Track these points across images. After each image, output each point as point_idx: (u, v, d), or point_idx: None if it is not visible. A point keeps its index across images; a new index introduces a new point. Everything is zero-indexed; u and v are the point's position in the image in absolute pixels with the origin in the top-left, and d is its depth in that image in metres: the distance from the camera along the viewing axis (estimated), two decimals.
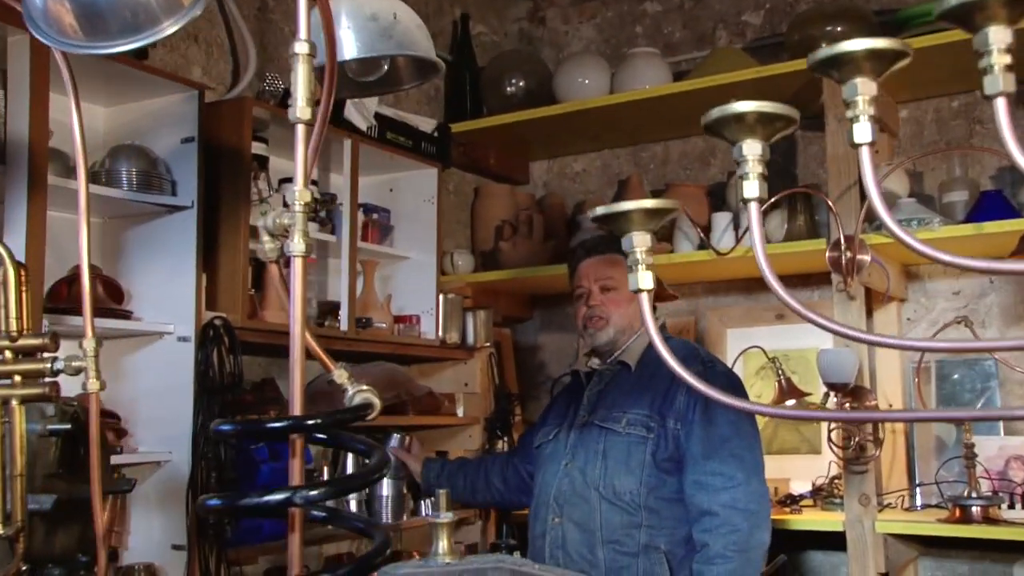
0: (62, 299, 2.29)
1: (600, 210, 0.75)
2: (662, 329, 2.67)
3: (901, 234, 0.62)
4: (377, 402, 0.90)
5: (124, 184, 2.36)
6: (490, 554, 0.72)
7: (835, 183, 2.92)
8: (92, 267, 2.41)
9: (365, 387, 0.91)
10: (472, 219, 3.92)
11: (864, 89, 0.65)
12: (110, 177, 2.35)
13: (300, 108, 0.87)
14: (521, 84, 3.69)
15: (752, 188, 0.69)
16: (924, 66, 2.99)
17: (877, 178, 0.65)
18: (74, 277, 2.35)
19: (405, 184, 3.29)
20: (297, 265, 0.87)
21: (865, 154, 0.64)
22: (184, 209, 2.43)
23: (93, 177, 2.38)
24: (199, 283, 2.42)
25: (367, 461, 0.91)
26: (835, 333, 0.68)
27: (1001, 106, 0.60)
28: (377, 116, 3.01)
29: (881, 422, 2.74)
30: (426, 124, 3.25)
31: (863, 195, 2.93)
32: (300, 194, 0.88)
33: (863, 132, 0.65)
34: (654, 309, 2.66)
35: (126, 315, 2.40)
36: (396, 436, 3.01)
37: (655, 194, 3.72)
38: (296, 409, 0.86)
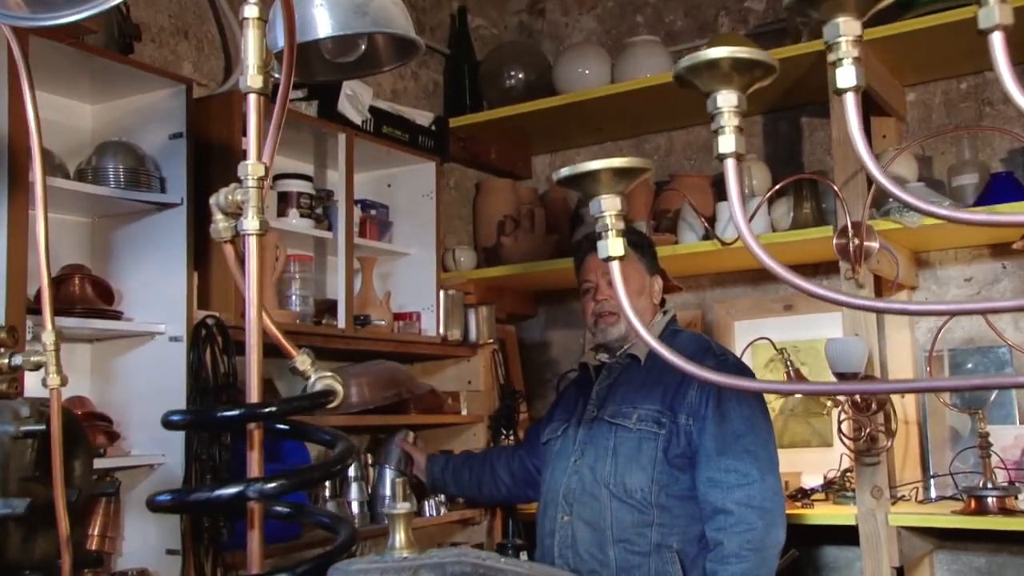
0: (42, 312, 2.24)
1: (565, 171, 0.69)
2: (672, 321, 2.61)
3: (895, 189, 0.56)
4: (339, 388, 0.85)
5: (111, 181, 2.31)
6: (451, 548, 0.66)
7: (841, 169, 2.84)
8: (80, 267, 2.39)
9: (328, 373, 0.85)
10: (474, 215, 3.87)
11: (847, 29, 0.59)
12: (97, 175, 2.31)
13: (251, 76, 0.82)
14: (521, 76, 3.63)
15: (728, 143, 0.63)
16: (931, 47, 2.91)
17: (860, 125, 0.59)
18: (62, 278, 2.30)
19: (403, 179, 3.23)
20: (252, 244, 0.82)
21: (850, 101, 0.58)
22: (174, 206, 2.38)
23: (80, 175, 2.34)
24: (190, 282, 2.37)
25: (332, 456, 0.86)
26: (836, 303, 0.62)
27: (997, 41, 0.54)
28: (372, 110, 2.96)
29: (888, 393, 2.66)
30: (423, 118, 3.19)
31: (871, 180, 2.86)
32: (252, 168, 0.83)
33: (847, 76, 0.59)
34: (663, 303, 2.63)
35: (117, 315, 2.36)
36: (404, 431, 2.97)
37: (660, 186, 3.66)
38: (253, 397, 0.81)
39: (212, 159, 2.51)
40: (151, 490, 2.35)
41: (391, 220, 3.21)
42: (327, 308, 2.87)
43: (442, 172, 3.28)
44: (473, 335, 3.26)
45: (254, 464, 0.83)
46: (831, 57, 0.60)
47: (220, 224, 0.86)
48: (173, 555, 2.30)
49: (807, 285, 0.66)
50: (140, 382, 2.41)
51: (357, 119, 2.87)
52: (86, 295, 2.31)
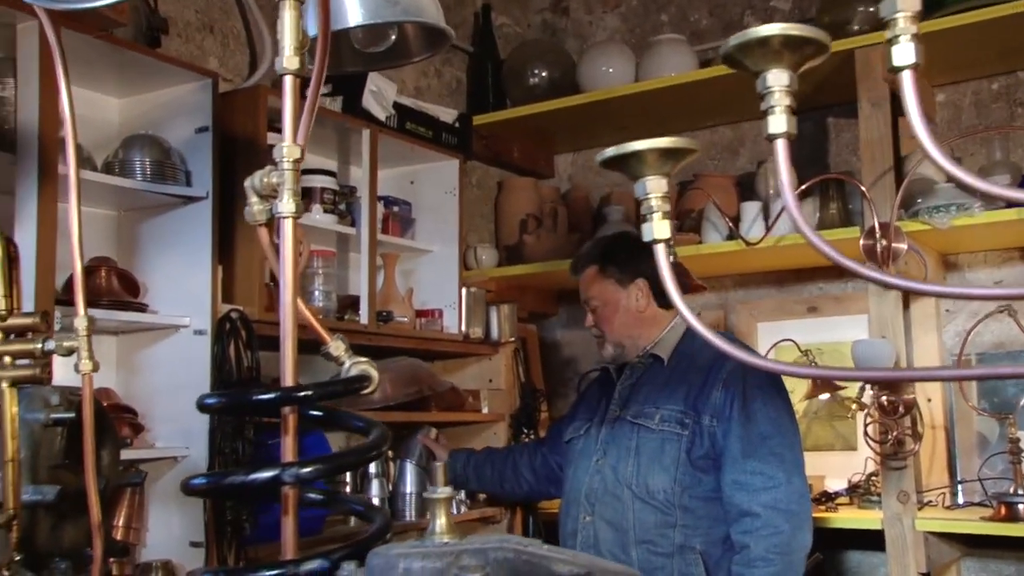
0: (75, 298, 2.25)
1: (610, 151, 0.68)
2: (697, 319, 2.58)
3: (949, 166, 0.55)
4: (375, 374, 0.84)
5: (138, 174, 2.32)
6: (493, 535, 0.65)
7: (869, 169, 2.82)
8: (106, 260, 2.39)
9: (362, 359, 0.84)
10: (496, 213, 3.86)
11: (905, 5, 0.57)
12: (124, 167, 2.31)
13: (287, 57, 0.81)
14: (544, 74, 3.62)
15: (779, 123, 0.61)
16: (962, 46, 2.88)
17: (921, 109, 0.58)
18: (89, 270, 2.31)
19: (426, 176, 3.23)
20: (287, 227, 0.81)
21: (907, 78, 0.56)
22: (199, 200, 2.38)
23: (107, 168, 2.34)
24: (215, 275, 2.38)
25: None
26: (875, 281, 0.61)
27: None
28: (396, 106, 2.96)
29: (913, 381, 2.62)
30: (446, 114, 3.18)
31: (899, 181, 2.83)
32: (288, 150, 0.82)
33: (904, 54, 0.57)
34: (661, 303, 2.58)
35: (142, 308, 2.36)
36: (426, 428, 2.97)
37: (683, 185, 3.64)
38: (287, 381, 0.80)
39: (237, 153, 2.51)
40: (175, 482, 2.36)
41: (414, 217, 3.20)
42: (349, 304, 2.87)
43: (465, 170, 3.27)
44: (495, 333, 3.25)
45: (288, 449, 0.82)
46: (888, 34, 0.58)
47: (255, 207, 0.85)
48: (196, 547, 2.30)
49: (871, 273, 0.64)
50: (164, 375, 2.41)
51: (381, 115, 2.86)
52: (112, 287, 2.32)
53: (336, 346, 0.87)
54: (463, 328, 3.13)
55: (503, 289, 3.49)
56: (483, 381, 3.33)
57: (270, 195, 0.84)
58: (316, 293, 2.75)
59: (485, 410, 3.28)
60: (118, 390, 2.44)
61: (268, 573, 0.76)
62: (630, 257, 2.51)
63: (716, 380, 2.35)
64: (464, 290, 3.15)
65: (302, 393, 0.79)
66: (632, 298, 2.49)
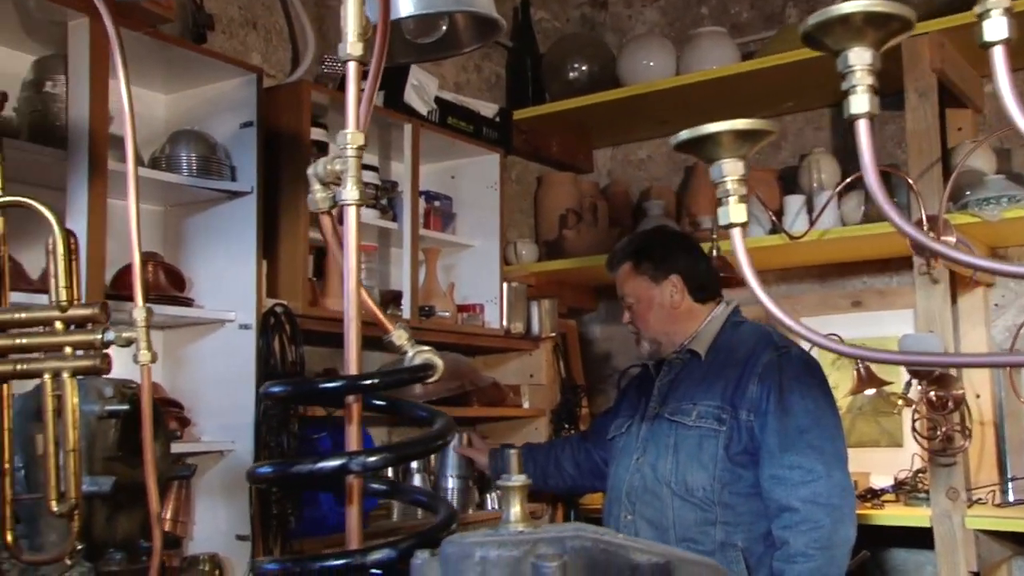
0: (127, 286, 2.27)
1: (684, 134, 0.66)
2: (735, 312, 2.54)
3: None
4: (439, 362, 0.83)
5: (184, 169, 2.33)
6: (567, 523, 0.64)
7: (916, 161, 2.77)
8: (153, 254, 2.42)
9: (426, 348, 0.84)
10: (535, 208, 3.85)
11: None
12: (170, 163, 2.33)
13: (351, 43, 0.81)
14: (584, 68, 3.60)
15: (860, 103, 0.60)
16: (1017, 30, 2.82)
17: (1012, 80, 0.56)
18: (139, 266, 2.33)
19: (467, 171, 3.23)
20: (351, 215, 0.81)
21: (999, 54, 0.55)
22: (244, 195, 2.40)
23: (153, 163, 2.36)
24: (259, 270, 2.39)
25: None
26: (944, 256, 0.59)
27: None
28: (437, 101, 2.96)
29: (960, 367, 2.57)
30: (487, 109, 3.18)
31: (946, 173, 2.79)
32: (352, 136, 0.81)
33: (997, 27, 0.55)
34: (709, 292, 2.55)
35: (188, 302, 2.38)
36: (454, 436, 2.93)
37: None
38: (352, 369, 0.80)
39: (281, 148, 2.52)
40: (221, 476, 2.38)
41: (454, 212, 3.20)
42: (392, 299, 2.87)
43: (505, 164, 3.27)
44: (535, 328, 3.25)
45: (353, 438, 0.82)
46: (978, 8, 0.57)
47: (318, 194, 0.85)
48: (243, 540, 2.31)
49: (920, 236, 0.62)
50: (210, 369, 2.43)
51: (423, 109, 2.87)
52: (159, 282, 2.34)
53: (399, 335, 0.86)
54: (504, 323, 3.13)
55: (542, 284, 3.48)
56: (524, 376, 3.32)
57: (333, 183, 0.83)
58: None
59: (526, 405, 3.28)
60: (164, 384, 2.46)
61: (335, 562, 0.75)
62: (665, 253, 2.49)
63: (752, 374, 2.32)
64: (505, 285, 3.14)
65: (368, 381, 0.79)
66: (667, 294, 2.46)
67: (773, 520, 2.25)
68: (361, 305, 0.81)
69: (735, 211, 0.66)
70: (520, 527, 0.65)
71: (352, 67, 0.82)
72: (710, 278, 2.54)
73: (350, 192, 0.81)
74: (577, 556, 0.64)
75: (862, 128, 0.60)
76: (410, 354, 0.84)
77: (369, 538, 2.60)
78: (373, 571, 0.80)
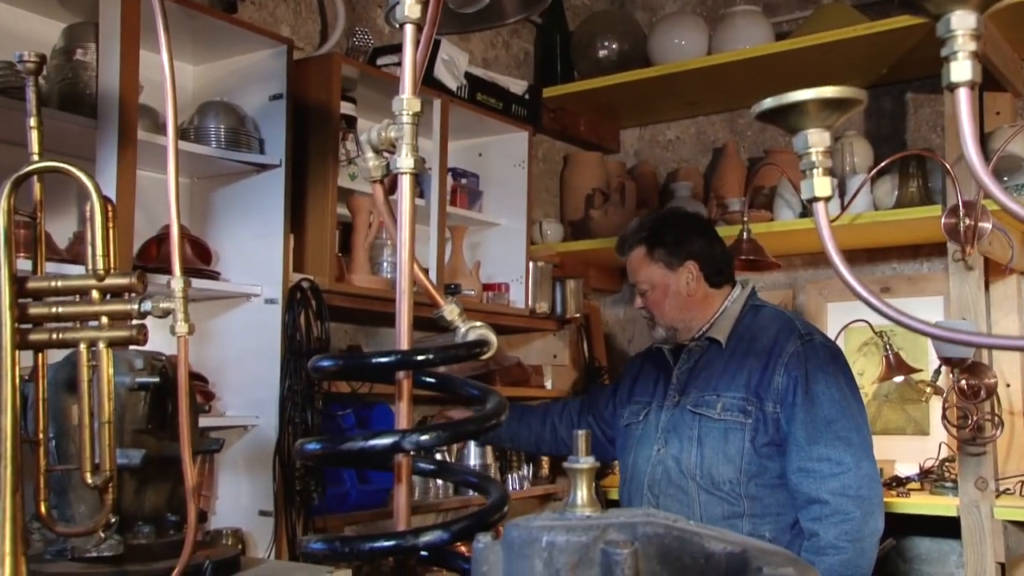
0: (152, 259, 2.26)
1: (768, 102, 0.63)
2: (753, 295, 2.49)
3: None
4: (494, 339, 0.81)
5: (212, 141, 2.31)
6: (637, 508, 0.62)
7: (952, 146, 2.72)
8: (181, 227, 2.39)
9: (479, 323, 0.81)
10: (561, 188, 3.81)
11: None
12: (199, 134, 2.31)
13: (409, 5, 0.77)
14: (614, 47, 3.55)
15: (962, 70, 0.56)
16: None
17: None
18: (164, 236, 2.31)
19: (495, 148, 3.19)
20: (405, 184, 0.78)
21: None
22: (272, 168, 2.37)
23: (182, 134, 2.33)
24: (287, 244, 2.37)
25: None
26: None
27: None
28: (467, 76, 2.92)
29: (990, 348, 2.52)
30: (517, 86, 3.14)
31: (985, 158, 2.73)
32: (408, 103, 0.78)
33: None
34: (723, 277, 2.49)
35: (214, 276, 2.36)
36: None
37: (753, 162, 3.56)
38: (403, 344, 0.77)
39: (309, 121, 2.49)
40: (244, 451, 2.37)
41: (481, 190, 3.17)
42: None
43: (533, 142, 3.23)
44: (560, 308, 3.22)
45: (403, 415, 0.79)
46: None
47: (371, 162, 0.82)
48: (265, 516, 2.30)
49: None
50: (235, 343, 2.42)
51: (453, 84, 2.83)
52: (185, 255, 2.32)
53: (450, 310, 0.84)
54: (530, 303, 3.10)
55: (568, 264, 3.45)
56: (547, 356, 3.29)
57: (387, 150, 0.80)
58: (384, 264, 2.73)
59: (549, 386, 3.25)
60: (189, 358, 2.44)
61: (386, 543, 0.73)
62: (679, 238, 2.41)
63: (777, 364, 2.27)
64: (531, 264, 3.11)
65: (422, 356, 0.76)
66: (683, 281, 2.39)
67: (801, 511, 2.22)
68: (413, 278, 0.79)
69: (820, 184, 0.63)
70: (588, 511, 0.63)
71: (409, 30, 0.79)
72: (726, 261, 2.47)
73: (405, 160, 0.78)
74: (648, 543, 0.61)
75: (962, 96, 0.57)
76: (463, 329, 0.81)
77: (387, 516, 2.58)
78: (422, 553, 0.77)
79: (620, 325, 3.90)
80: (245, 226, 2.42)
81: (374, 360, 0.89)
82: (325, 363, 0.82)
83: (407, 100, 0.79)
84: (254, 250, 2.40)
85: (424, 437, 0.73)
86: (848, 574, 2.14)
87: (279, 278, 2.35)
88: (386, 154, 0.81)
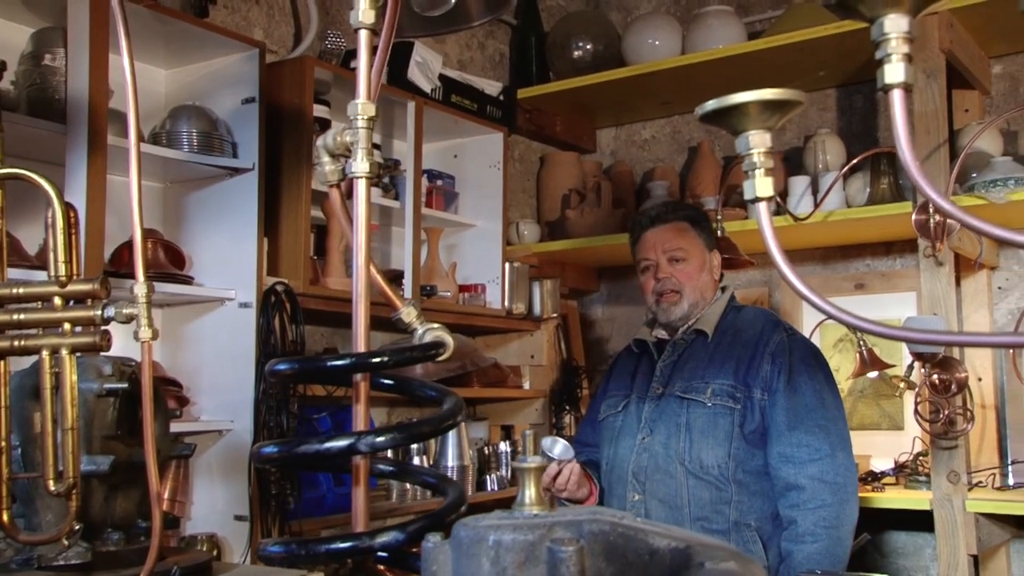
0: (124, 264, 2.25)
1: (710, 104, 0.64)
2: (733, 297, 2.52)
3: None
4: (450, 340, 0.81)
5: (185, 145, 2.31)
6: (583, 506, 0.62)
7: (923, 143, 2.74)
8: (153, 231, 2.39)
9: (436, 325, 0.82)
10: (538, 188, 3.82)
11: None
12: (171, 138, 2.31)
13: (363, 11, 0.78)
14: (588, 47, 3.57)
15: (896, 72, 0.57)
16: (1018, 15, 2.79)
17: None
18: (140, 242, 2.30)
19: (470, 150, 3.20)
20: (361, 188, 0.78)
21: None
22: (245, 171, 2.37)
23: (153, 139, 2.33)
24: (260, 248, 2.37)
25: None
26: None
27: None
28: (441, 78, 2.92)
29: (960, 346, 2.55)
30: (491, 87, 3.15)
31: (953, 155, 2.76)
32: (363, 107, 0.79)
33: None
34: (721, 278, 2.53)
35: (187, 280, 2.36)
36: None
37: (728, 160, 3.57)
38: (360, 347, 0.78)
39: (283, 125, 2.49)
40: (220, 456, 2.36)
41: (457, 191, 3.17)
42: (393, 278, 2.85)
43: (509, 143, 3.24)
44: (537, 309, 3.23)
45: (360, 418, 0.80)
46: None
47: (327, 167, 0.82)
48: (241, 521, 2.30)
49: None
50: (209, 347, 2.41)
51: (427, 87, 2.83)
52: (158, 259, 2.32)
53: (408, 312, 0.84)
54: (506, 303, 3.11)
55: (545, 265, 3.46)
56: (525, 357, 3.30)
57: (343, 155, 0.81)
58: None
59: (526, 386, 3.26)
60: (163, 363, 2.44)
61: (342, 545, 0.73)
62: (711, 229, 2.57)
63: (764, 353, 2.32)
64: (508, 265, 3.12)
65: (377, 359, 0.76)
66: (715, 263, 2.51)
67: (779, 498, 2.24)
68: (370, 281, 0.79)
69: (761, 185, 0.64)
70: (535, 510, 0.63)
71: (363, 35, 0.80)
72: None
73: (360, 164, 0.78)
74: (594, 540, 0.62)
75: (897, 98, 0.58)
76: (420, 332, 0.82)
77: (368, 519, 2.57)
78: (379, 554, 0.78)
79: (598, 325, 3.92)
80: (219, 230, 2.42)
81: (329, 363, 0.89)
82: (281, 367, 0.82)
83: (362, 105, 0.79)
84: (228, 254, 2.39)
85: (380, 439, 0.74)
86: (826, 562, 2.16)
87: (253, 282, 2.35)
88: (342, 158, 0.81)
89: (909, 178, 0.59)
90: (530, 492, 0.63)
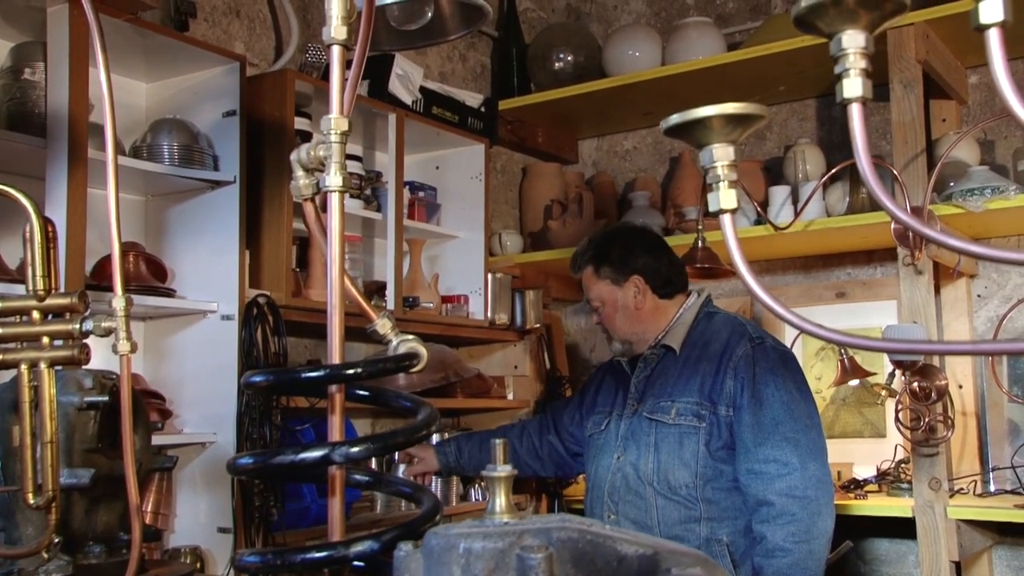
0: (106, 277, 2.25)
1: (674, 119, 0.65)
2: (707, 303, 2.52)
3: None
4: (423, 352, 0.82)
5: (165, 159, 2.31)
6: (553, 514, 0.63)
7: (901, 152, 2.77)
8: (134, 245, 2.39)
9: (410, 337, 0.83)
10: (520, 199, 3.84)
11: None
12: (152, 152, 2.31)
13: (335, 27, 0.79)
14: (569, 59, 3.59)
15: (854, 87, 0.59)
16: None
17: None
18: (120, 254, 2.30)
19: (452, 161, 3.21)
20: (334, 201, 0.79)
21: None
22: (227, 184, 2.38)
23: (134, 152, 2.34)
24: (242, 260, 2.37)
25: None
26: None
27: None
28: (422, 90, 2.93)
29: (943, 355, 2.58)
30: (472, 99, 3.16)
31: (931, 164, 2.79)
32: (336, 122, 0.80)
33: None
34: (675, 286, 2.53)
35: (169, 293, 2.36)
36: (398, 466, 2.79)
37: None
38: (334, 358, 0.78)
39: (264, 137, 2.50)
40: (203, 468, 2.36)
41: (439, 202, 3.18)
42: (376, 289, 2.86)
43: (490, 155, 3.25)
44: (520, 319, 3.24)
45: (335, 428, 0.80)
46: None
47: (301, 181, 0.83)
48: (224, 533, 2.29)
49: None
50: (192, 360, 2.41)
51: (408, 99, 2.84)
52: (140, 272, 2.32)
53: (383, 324, 0.85)
54: (489, 314, 3.12)
55: (527, 275, 3.47)
56: (508, 367, 3.31)
57: (316, 168, 0.82)
58: None
59: (510, 396, 3.27)
60: (145, 376, 2.44)
61: (318, 555, 0.74)
62: (624, 254, 2.45)
63: (727, 368, 2.30)
64: (490, 276, 3.13)
65: (351, 371, 0.77)
66: (630, 296, 2.43)
67: (752, 514, 2.24)
68: (345, 294, 0.80)
69: (725, 197, 0.65)
70: (505, 518, 0.64)
71: (336, 51, 0.81)
72: (674, 273, 2.49)
73: (334, 178, 0.79)
74: (563, 547, 0.63)
75: (855, 112, 0.59)
76: (394, 343, 0.83)
77: (352, 529, 2.59)
78: (356, 563, 0.78)
79: (582, 335, 3.93)
80: (201, 243, 2.42)
81: (304, 375, 0.90)
82: (256, 379, 0.83)
83: (335, 119, 0.80)
84: (210, 267, 2.40)
85: (354, 449, 0.75)
86: (798, 575, 2.16)
87: (235, 294, 2.35)
88: (316, 172, 0.82)
89: (868, 190, 0.60)
90: (500, 500, 0.64)
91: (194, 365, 2.40)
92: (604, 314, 2.47)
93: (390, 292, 2.78)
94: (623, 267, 2.44)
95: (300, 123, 2.58)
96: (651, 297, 2.43)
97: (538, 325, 3.30)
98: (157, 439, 2.24)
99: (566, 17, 4.09)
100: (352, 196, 2.78)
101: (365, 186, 2.84)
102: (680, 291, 2.48)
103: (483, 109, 3.20)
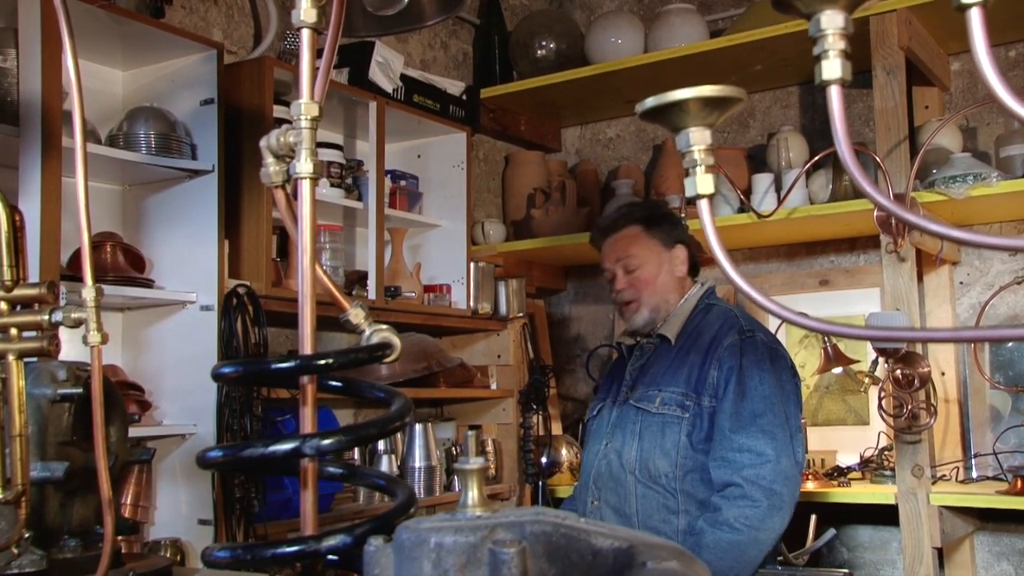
0: (82, 267, 2.22)
1: (650, 101, 0.64)
2: (710, 294, 2.51)
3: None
4: (397, 341, 0.81)
5: (142, 147, 2.28)
6: (527, 507, 0.62)
7: (883, 139, 2.77)
8: (112, 235, 2.36)
9: (384, 326, 0.81)
10: (503, 188, 3.82)
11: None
12: (128, 140, 2.28)
13: (304, 10, 0.77)
14: (552, 46, 3.57)
15: (833, 68, 0.57)
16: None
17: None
18: (94, 245, 2.28)
19: (433, 149, 3.19)
20: (305, 188, 0.77)
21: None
22: (205, 173, 2.35)
23: (111, 141, 2.30)
24: (221, 250, 2.34)
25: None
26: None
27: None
28: (403, 78, 2.91)
29: (924, 342, 2.58)
30: (454, 87, 3.14)
31: (913, 151, 2.79)
32: (306, 107, 0.78)
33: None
34: (695, 272, 2.54)
35: (148, 284, 2.33)
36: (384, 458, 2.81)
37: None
38: (306, 349, 0.77)
39: (242, 126, 2.47)
40: (183, 460, 2.34)
41: (421, 191, 3.16)
42: (357, 279, 2.84)
43: (472, 143, 3.23)
44: (503, 309, 3.22)
45: (307, 420, 0.79)
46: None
47: (271, 168, 0.81)
48: (205, 525, 2.28)
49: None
50: (171, 351, 2.38)
51: (388, 87, 2.82)
52: (118, 263, 2.29)
53: (356, 313, 0.83)
54: (471, 303, 3.10)
55: (511, 264, 3.46)
56: (491, 357, 3.30)
57: (287, 155, 0.80)
58: (325, 268, 2.72)
59: (494, 386, 3.26)
60: (124, 367, 2.41)
61: (289, 549, 0.72)
62: (673, 222, 2.52)
63: (712, 359, 2.29)
64: (472, 265, 3.11)
65: (322, 361, 0.76)
66: (676, 260, 2.46)
67: (715, 491, 2.22)
68: (317, 283, 0.78)
69: (702, 182, 0.63)
70: (478, 511, 0.63)
71: (306, 34, 0.79)
72: (698, 259, 2.54)
73: (304, 165, 0.77)
74: (536, 541, 0.61)
75: (834, 94, 0.58)
76: (367, 333, 0.81)
77: (332, 522, 2.59)
78: (330, 557, 0.77)
79: (565, 324, 3.92)
80: (179, 233, 2.39)
81: (274, 366, 0.89)
82: (226, 370, 0.81)
83: (305, 105, 0.79)
84: (189, 257, 2.37)
85: (325, 442, 0.73)
86: (732, 556, 2.13)
87: (214, 284, 2.33)
88: (287, 159, 0.81)
89: (848, 174, 0.59)
90: (472, 494, 0.63)
91: (173, 356, 2.38)
92: (642, 276, 2.43)
93: (371, 281, 2.76)
94: (674, 232, 2.48)
95: (279, 111, 2.55)
96: (686, 270, 2.46)
97: (521, 314, 3.28)
98: (136, 431, 2.21)
99: (548, 4, 4.07)
100: (333, 185, 2.76)
101: (346, 175, 2.81)
102: (695, 279, 2.50)
103: (465, 97, 3.17)
